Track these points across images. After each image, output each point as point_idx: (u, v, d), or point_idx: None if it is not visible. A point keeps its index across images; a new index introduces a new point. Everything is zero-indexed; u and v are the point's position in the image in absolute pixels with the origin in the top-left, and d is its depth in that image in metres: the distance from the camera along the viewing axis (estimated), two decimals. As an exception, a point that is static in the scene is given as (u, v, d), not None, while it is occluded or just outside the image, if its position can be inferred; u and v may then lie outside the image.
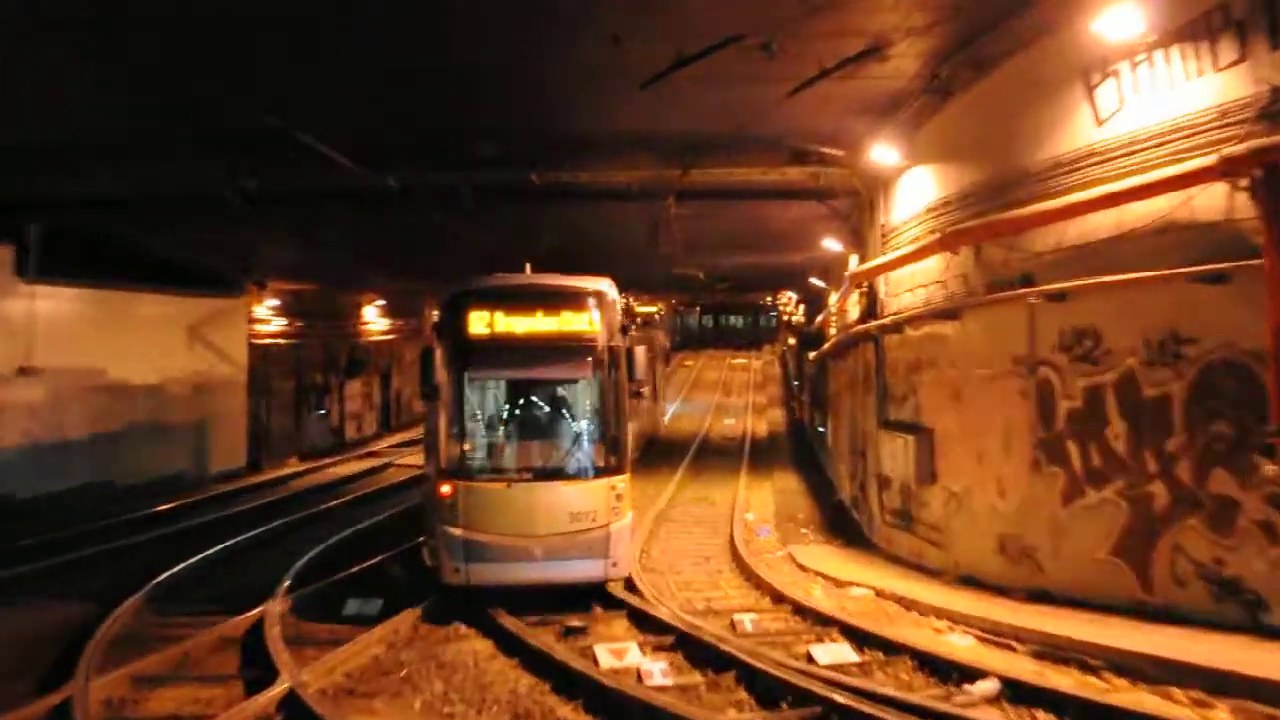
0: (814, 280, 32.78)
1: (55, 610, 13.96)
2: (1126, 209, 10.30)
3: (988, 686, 9.11)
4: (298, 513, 22.14)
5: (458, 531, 12.99)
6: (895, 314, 17.00)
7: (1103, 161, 10.67)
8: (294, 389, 35.34)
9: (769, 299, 73.54)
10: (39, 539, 18.35)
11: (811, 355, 32.80)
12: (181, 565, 16.11)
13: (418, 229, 22.97)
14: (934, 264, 14.90)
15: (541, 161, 17.45)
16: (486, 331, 13.31)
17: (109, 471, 24.21)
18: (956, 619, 11.62)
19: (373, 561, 16.57)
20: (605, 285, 13.76)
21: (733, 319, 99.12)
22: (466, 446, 13.50)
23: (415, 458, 32.49)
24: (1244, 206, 9.29)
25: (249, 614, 12.89)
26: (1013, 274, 12.47)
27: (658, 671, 10.40)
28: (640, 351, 13.72)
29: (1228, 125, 9.35)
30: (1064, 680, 9.21)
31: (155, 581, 14.89)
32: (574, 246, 26.29)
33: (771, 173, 17.97)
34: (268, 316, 33.07)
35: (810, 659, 10.67)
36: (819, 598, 13.91)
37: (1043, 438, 11.89)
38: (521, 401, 14.41)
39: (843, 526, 20.27)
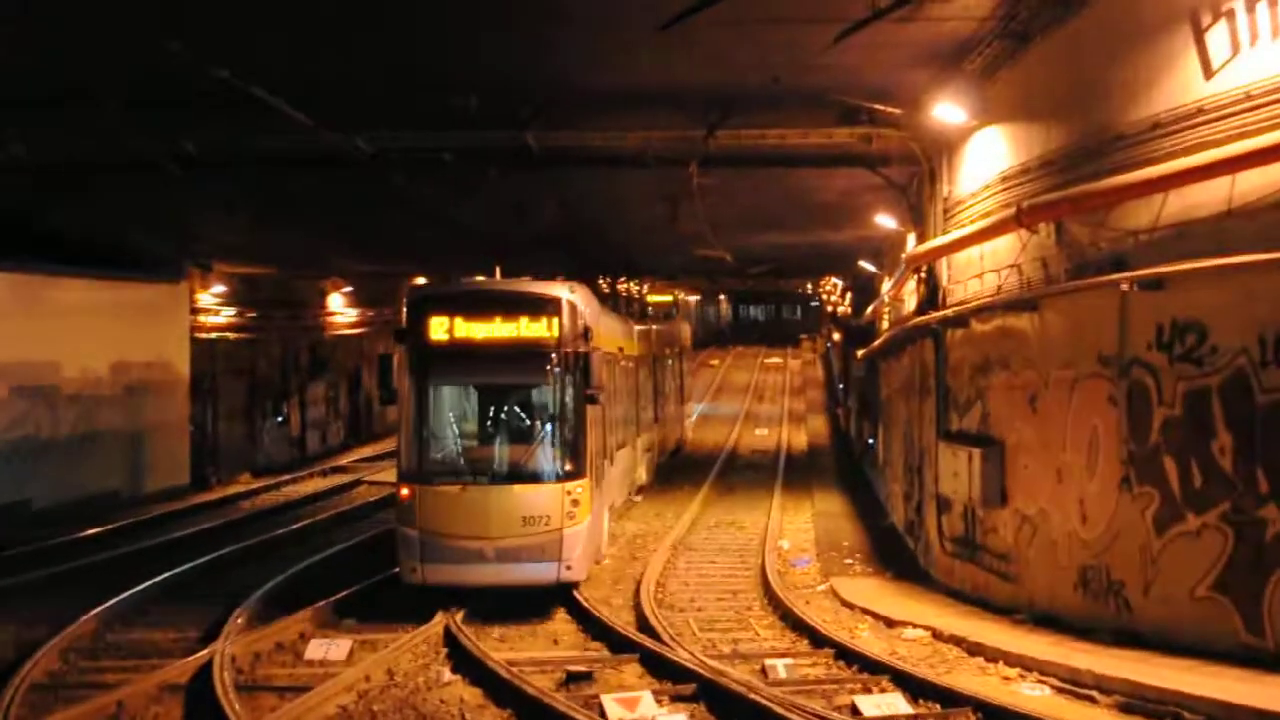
0: (864, 264, 32.83)
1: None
2: (1240, 178, 10.28)
3: (1067, 745, 9.17)
4: (250, 539, 22.27)
5: (414, 533, 15.60)
6: (959, 304, 17.02)
7: (1212, 121, 10.65)
8: (246, 392, 35.51)
9: (809, 286, 73.57)
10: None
11: (859, 353, 32.85)
12: (115, 599, 16.22)
13: (391, 202, 23.05)
14: (1007, 244, 14.92)
15: (539, 120, 17.47)
16: (445, 337, 15.91)
17: (23, 490, 24.34)
18: (1028, 665, 11.67)
19: (340, 596, 16.67)
20: (566, 291, 16.33)
21: (761, 310, 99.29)
22: (423, 450, 16.03)
23: (390, 473, 32.70)
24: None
25: (196, 656, 13.02)
26: (1101, 257, 12.48)
27: (675, 725, 10.48)
28: (597, 357, 16.29)
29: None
30: (1157, 738, 9.28)
31: (86, 616, 15.02)
32: (577, 223, 26.39)
33: (814, 135, 17.99)
34: (214, 305, 33.24)
35: (854, 711, 10.74)
36: (866, 640, 13.98)
37: (1134, 452, 11.90)
38: (478, 406, 16.90)
39: (894, 556, 20.34)
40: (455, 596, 15.53)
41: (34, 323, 24.93)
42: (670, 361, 36.33)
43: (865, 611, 15.62)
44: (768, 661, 12.77)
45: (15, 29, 14.05)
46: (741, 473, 34.16)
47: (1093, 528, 12.66)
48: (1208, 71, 10.72)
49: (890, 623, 14.74)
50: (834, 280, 55.56)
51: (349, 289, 41.92)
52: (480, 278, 17.68)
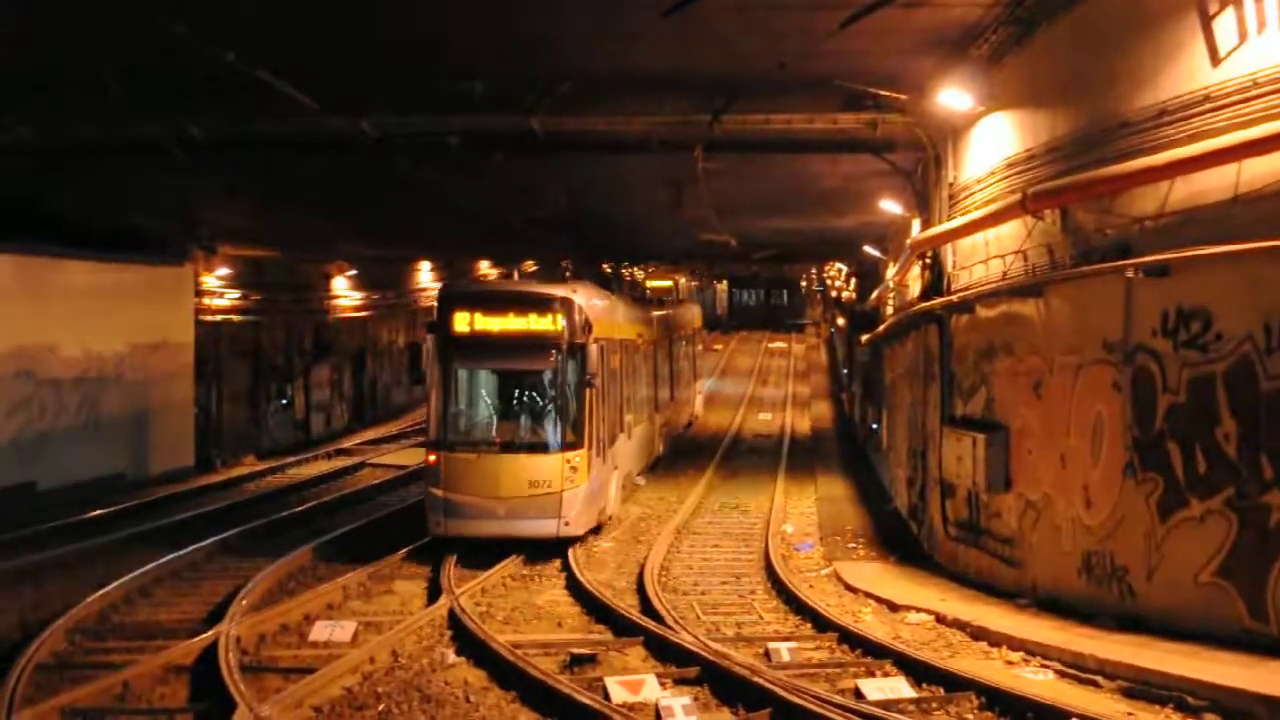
0: (868, 249, 32.80)
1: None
2: (1246, 165, 10.28)
3: (1069, 729, 9.20)
4: (255, 520, 22.33)
5: (439, 492, 18.54)
6: (964, 290, 17.03)
7: (1218, 109, 10.64)
8: (251, 375, 35.56)
9: (813, 271, 73.52)
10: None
11: (864, 338, 32.87)
12: (118, 581, 16.29)
13: (396, 186, 23.06)
14: (1012, 230, 14.92)
15: (543, 105, 17.47)
16: (467, 329, 18.98)
17: (29, 472, 24.40)
18: (1032, 649, 11.72)
19: (344, 578, 16.74)
20: (570, 292, 19.47)
21: (752, 294, 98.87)
22: (447, 423, 19.02)
23: (395, 456, 32.83)
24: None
25: (201, 638, 13.09)
26: (1106, 243, 12.48)
27: (679, 708, 10.53)
28: (595, 348, 19.14)
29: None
30: (1160, 723, 9.31)
31: (89, 599, 15.08)
32: (582, 208, 26.37)
33: (819, 120, 17.97)
34: (219, 288, 33.27)
35: (858, 695, 10.79)
36: (869, 624, 14.04)
37: (1138, 438, 11.92)
38: (494, 387, 19.97)
39: (898, 540, 20.38)
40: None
41: (38, 305, 24.94)
42: (683, 344, 38.50)
43: (869, 595, 15.67)
44: (771, 645, 12.82)
45: (20, 12, 14.06)
46: (745, 457, 34.21)
47: (1097, 513, 12.69)
48: (1214, 59, 10.71)
49: (894, 607, 14.79)
50: (839, 265, 55.49)
51: (353, 272, 41.93)
52: (497, 280, 21.37)
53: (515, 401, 19.89)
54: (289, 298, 37.80)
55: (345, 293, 42.13)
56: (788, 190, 25.95)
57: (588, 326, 19.12)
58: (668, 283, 58.97)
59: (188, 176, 21.47)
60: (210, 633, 13.17)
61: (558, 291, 19.54)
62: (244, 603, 14.89)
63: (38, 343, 24.92)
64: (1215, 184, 10.60)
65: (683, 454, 33.54)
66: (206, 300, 32.37)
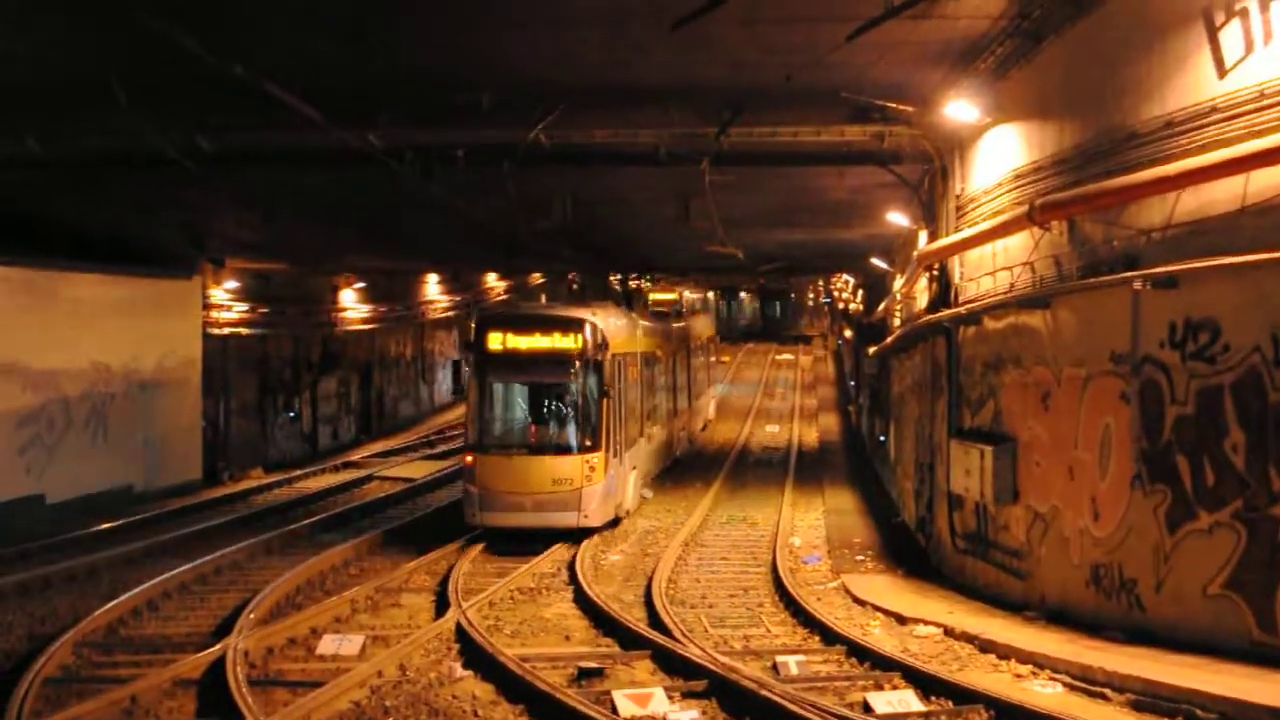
0: (875, 261, 32.80)
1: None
2: (1253, 177, 10.27)
3: (1079, 743, 9.19)
4: (263, 534, 22.36)
5: (475, 488, 21.21)
6: (971, 302, 17.03)
7: (1225, 119, 10.65)
8: (258, 387, 35.62)
9: (820, 283, 73.53)
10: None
11: (871, 350, 32.86)
12: (126, 594, 16.32)
13: (404, 199, 23.10)
14: (1019, 242, 14.92)
15: (551, 118, 17.48)
16: (500, 347, 21.75)
17: (38, 485, 24.46)
18: (1040, 662, 11.70)
19: (351, 591, 16.77)
20: (588, 314, 22.27)
21: (762, 307, 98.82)
22: (483, 428, 21.81)
23: (402, 469, 32.86)
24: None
25: (208, 651, 13.11)
26: (1114, 255, 12.48)
27: (687, 721, 10.53)
28: (611, 363, 21.89)
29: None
30: (1170, 736, 9.29)
31: (96, 613, 15.10)
32: (588, 220, 26.39)
33: (826, 133, 17.98)
34: (227, 301, 33.34)
35: (867, 708, 10.78)
36: (878, 637, 14.02)
37: (1146, 450, 11.91)
38: (522, 397, 22.61)
39: (906, 553, 20.35)
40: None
41: (47, 318, 25.01)
42: (698, 354, 41.34)
43: (877, 608, 15.65)
44: (779, 658, 12.82)
45: (30, 26, 14.13)
46: (753, 469, 34.19)
47: (1105, 525, 12.68)
48: (1221, 70, 10.72)
49: (902, 619, 14.77)
50: (846, 277, 55.51)
51: (361, 285, 41.99)
52: (525, 303, 24.38)
53: (541, 409, 22.54)
54: (296, 310, 37.86)
55: (353, 305, 42.19)
56: (794, 203, 25.96)
57: (604, 344, 21.77)
58: (671, 295, 58.94)
59: (196, 189, 21.52)
60: (218, 646, 13.20)
61: (577, 314, 22.38)
62: (252, 616, 14.92)
63: (46, 356, 24.96)
64: (1223, 195, 10.59)
65: (690, 467, 33.56)
66: (214, 313, 32.42)
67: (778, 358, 75.91)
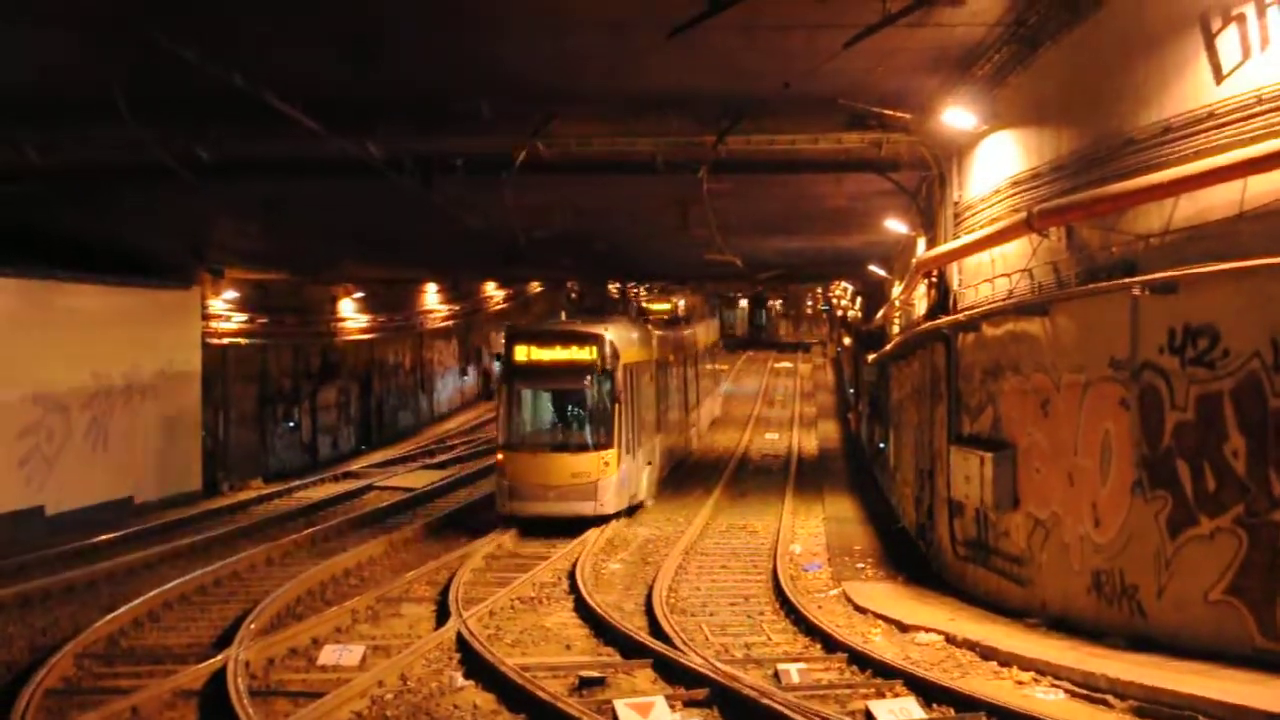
0: (874, 268, 32.84)
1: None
2: (1251, 182, 10.28)
3: (1081, 749, 9.17)
4: (263, 544, 22.34)
5: (505, 481, 24.08)
6: (970, 308, 17.03)
7: (1222, 125, 10.66)
8: (257, 398, 35.58)
9: (819, 290, 73.56)
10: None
11: (870, 357, 32.86)
12: (128, 605, 16.30)
13: (403, 208, 23.13)
14: (1017, 249, 14.93)
15: (549, 126, 17.51)
16: (526, 358, 24.68)
17: (38, 496, 24.41)
18: (1042, 669, 11.68)
19: (352, 602, 16.74)
20: (603, 329, 25.06)
21: (751, 315, 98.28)
22: (512, 429, 24.68)
23: (402, 479, 32.82)
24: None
25: (209, 662, 13.07)
26: (1112, 261, 12.49)
27: (689, 730, 10.50)
28: (622, 372, 24.70)
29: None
30: (1172, 743, 9.27)
31: (97, 624, 15.08)
32: (587, 228, 26.45)
33: (824, 140, 18.02)
34: (226, 311, 33.30)
35: (868, 716, 10.76)
36: (879, 644, 14.00)
37: (1147, 456, 11.90)
38: (545, 402, 25.55)
39: (907, 560, 20.34)
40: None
41: (45, 329, 24.95)
42: (704, 359, 45.20)
43: (878, 616, 15.63)
44: (781, 666, 12.79)
45: (29, 37, 14.14)
46: (753, 477, 34.17)
47: (1105, 531, 12.67)
48: (1218, 76, 10.73)
49: (903, 627, 14.75)
50: (844, 285, 55.55)
51: (360, 295, 41.98)
52: (549, 320, 29.88)
53: (562, 412, 25.45)
54: (295, 320, 37.84)
55: (352, 315, 42.18)
56: (792, 210, 25.99)
57: (616, 354, 24.64)
58: (665, 305, 58.97)
59: (195, 199, 21.53)
60: (219, 657, 13.16)
61: (593, 329, 25.18)
62: (252, 626, 14.88)
63: (46, 366, 24.92)
64: (1220, 201, 10.60)
65: (691, 475, 33.56)
66: (213, 323, 32.37)
67: (776, 365, 75.91)
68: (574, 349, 24.69)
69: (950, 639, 13.75)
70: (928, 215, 20.54)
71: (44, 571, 19.59)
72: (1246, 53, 10.43)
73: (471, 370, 57.71)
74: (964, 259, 17.29)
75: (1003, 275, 15.65)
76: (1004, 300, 15.47)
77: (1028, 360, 14.86)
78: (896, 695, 11.56)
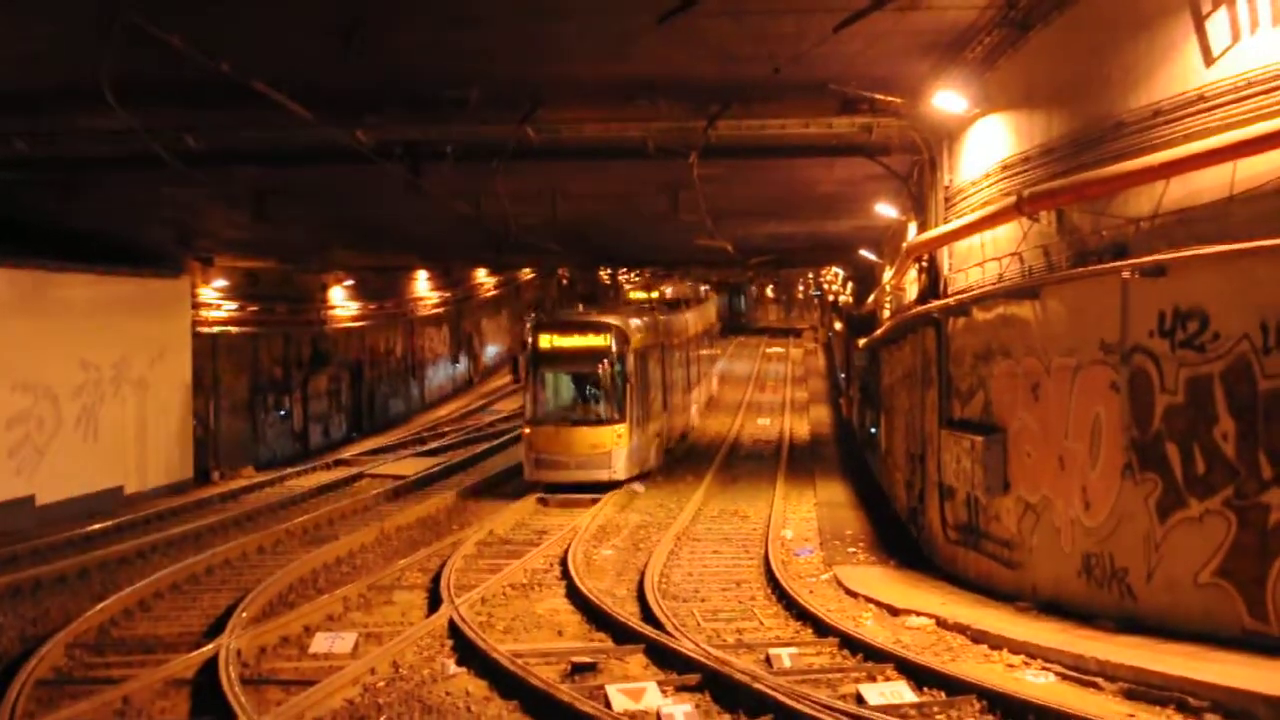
0: (865, 253, 32.82)
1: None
2: (1241, 165, 10.28)
3: (1072, 732, 9.20)
4: (255, 532, 22.33)
5: (532, 453, 27.43)
6: (961, 293, 17.04)
7: (1212, 108, 10.66)
8: (248, 386, 35.55)
9: (811, 276, 73.52)
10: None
11: (861, 342, 32.89)
12: (119, 594, 16.29)
13: (392, 195, 23.02)
14: (1008, 233, 14.93)
15: (539, 112, 17.43)
16: (548, 345, 28.28)
17: (28, 486, 24.37)
18: (1032, 652, 11.71)
19: (344, 589, 16.74)
20: (616, 319, 29.11)
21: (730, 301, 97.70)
22: (536, 406, 28.01)
23: (393, 466, 32.81)
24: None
25: (201, 651, 13.08)
26: (1103, 244, 12.49)
27: (680, 715, 10.55)
28: (632, 357, 28.22)
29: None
30: (1162, 725, 9.30)
31: (88, 614, 15.07)
32: (578, 214, 26.39)
33: (814, 124, 17.96)
34: (216, 300, 33.26)
35: (859, 700, 10.79)
36: (870, 628, 14.04)
37: (1136, 439, 11.93)
38: (565, 383, 28.84)
39: (898, 544, 20.38)
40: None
41: (36, 318, 24.92)
42: (705, 340, 48.84)
43: (869, 600, 15.66)
44: (772, 651, 12.82)
45: (14, 25, 14.06)
46: (744, 462, 34.21)
47: (1095, 514, 12.70)
48: (1208, 59, 10.72)
49: (894, 611, 14.79)
50: (835, 270, 55.53)
51: (350, 282, 41.93)
52: (568, 312, 35.09)
53: (579, 392, 28.65)
54: (286, 309, 37.80)
55: (342, 303, 42.13)
56: (783, 195, 25.95)
57: (626, 341, 28.18)
58: (650, 294, 58.93)
59: (184, 188, 21.45)
60: (210, 646, 13.17)
61: (605, 319, 29.16)
62: (244, 615, 14.88)
63: (36, 356, 24.87)
64: (1211, 184, 10.60)
65: (682, 461, 33.62)
66: (204, 312, 32.34)
67: (768, 351, 75.93)
68: (590, 337, 28.21)
69: (941, 623, 13.79)
70: (918, 199, 20.53)
71: (35, 561, 19.57)
72: (1236, 36, 10.42)
73: (463, 357, 57.67)
74: (955, 243, 17.29)
75: (993, 259, 15.65)
76: (994, 284, 15.48)
77: (1018, 344, 14.87)
78: (887, 679, 11.59)
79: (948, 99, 15.66)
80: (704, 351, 47.97)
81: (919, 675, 11.48)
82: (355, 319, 43.17)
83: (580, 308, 36.45)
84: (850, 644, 13.18)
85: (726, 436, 40.53)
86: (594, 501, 25.51)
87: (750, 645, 13.52)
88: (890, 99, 16.91)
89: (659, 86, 16.84)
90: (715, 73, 16.20)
